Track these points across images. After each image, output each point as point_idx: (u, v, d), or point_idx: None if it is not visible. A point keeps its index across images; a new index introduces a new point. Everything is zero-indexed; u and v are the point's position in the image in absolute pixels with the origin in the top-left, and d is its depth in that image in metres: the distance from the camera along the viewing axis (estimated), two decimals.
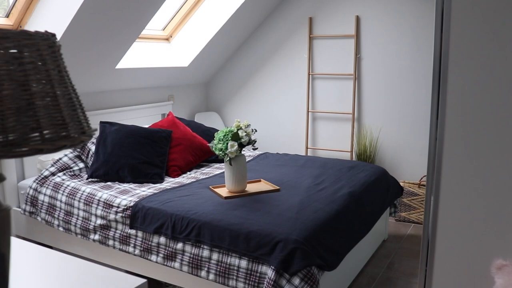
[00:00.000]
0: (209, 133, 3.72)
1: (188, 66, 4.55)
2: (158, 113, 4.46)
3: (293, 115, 4.70)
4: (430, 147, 1.86)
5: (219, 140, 2.65)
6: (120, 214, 2.63)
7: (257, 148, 2.83)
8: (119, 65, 3.71)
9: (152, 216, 2.50)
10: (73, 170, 3.14)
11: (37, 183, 3.05)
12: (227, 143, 2.61)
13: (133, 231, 2.57)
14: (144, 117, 4.24)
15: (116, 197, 2.71)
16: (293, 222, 2.28)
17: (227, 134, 2.64)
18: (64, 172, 3.11)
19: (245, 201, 2.57)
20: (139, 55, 4.03)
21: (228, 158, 2.64)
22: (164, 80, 4.49)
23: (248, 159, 3.70)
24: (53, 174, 3.08)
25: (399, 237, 3.67)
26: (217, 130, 3.76)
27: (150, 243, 2.50)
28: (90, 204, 2.77)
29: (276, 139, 4.86)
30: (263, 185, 2.88)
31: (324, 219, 2.38)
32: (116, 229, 2.65)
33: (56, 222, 2.93)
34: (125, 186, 2.93)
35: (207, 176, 3.15)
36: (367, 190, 2.95)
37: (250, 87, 4.93)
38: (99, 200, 2.74)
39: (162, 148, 3.19)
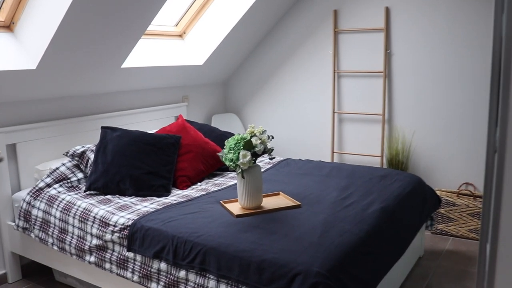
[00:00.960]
0: (224, 137, 3.37)
1: (203, 65, 4.21)
2: (171, 115, 4.14)
3: (317, 117, 4.30)
4: (488, 159, 1.46)
5: (230, 149, 2.29)
6: (117, 234, 2.30)
7: (273, 158, 2.46)
8: (125, 64, 3.39)
9: (152, 238, 2.16)
10: (71, 181, 2.83)
11: (31, 195, 2.75)
12: (238, 153, 2.25)
13: (131, 254, 2.24)
14: (156, 120, 3.92)
15: (113, 214, 2.39)
16: (315, 248, 1.90)
17: (239, 142, 2.28)
18: (61, 183, 2.80)
19: (259, 221, 2.20)
20: (150, 53, 3.71)
21: (240, 170, 2.28)
22: (178, 79, 4.16)
23: (266, 167, 3.33)
24: (48, 185, 2.78)
25: (437, 254, 3.24)
26: (232, 135, 3.41)
27: (149, 268, 2.17)
28: (85, 221, 2.45)
29: (299, 143, 4.47)
30: (281, 200, 2.51)
31: (352, 244, 1.99)
32: (113, 250, 2.33)
33: (50, 240, 2.63)
34: (126, 200, 2.60)
35: (219, 188, 2.80)
36: (401, 204, 2.55)
37: (271, 86, 4.57)
38: (94, 217, 2.42)
39: (169, 156, 2.86)
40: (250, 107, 4.75)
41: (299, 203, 2.40)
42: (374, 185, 2.75)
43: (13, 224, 2.85)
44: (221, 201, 2.47)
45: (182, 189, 2.81)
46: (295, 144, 4.48)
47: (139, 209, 2.43)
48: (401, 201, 2.57)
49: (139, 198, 2.64)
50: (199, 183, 2.94)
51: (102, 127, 2.92)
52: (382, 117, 3.87)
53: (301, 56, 4.29)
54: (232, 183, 2.93)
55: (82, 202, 2.56)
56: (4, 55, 2.68)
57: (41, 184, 2.78)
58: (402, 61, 3.78)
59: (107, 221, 2.36)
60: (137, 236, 2.22)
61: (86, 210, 2.49)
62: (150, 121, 3.88)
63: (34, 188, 2.77)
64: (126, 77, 3.53)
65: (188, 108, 4.42)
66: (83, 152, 2.89)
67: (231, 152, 2.27)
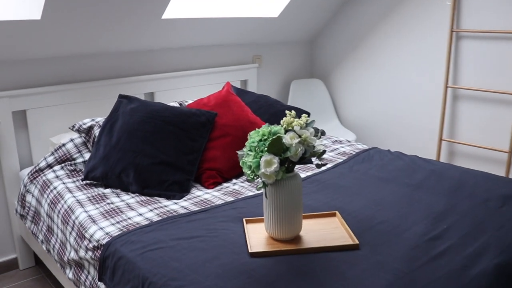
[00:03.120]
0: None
1: (279, 17, 3.34)
2: (236, 78, 3.38)
3: (423, 91, 3.24)
4: None
5: (251, 149, 1.47)
6: (90, 253, 1.64)
7: (324, 164, 1.58)
8: (167, 15, 2.66)
9: (123, 272, 1.46)
10: (75, 164, 2.24)
11: (29, 177, 2.21)
12: (260, 157, 1.42)
13: (103, 286, 1.58)
14: (212, 85, 3.19)
15: (94, 222, 1.73)
16: None
17: (265, 139, 1.45)
18: (64, 164, 2.22)
19: (285, 269, 1.38)
20: (207, 1, 2.93)
21: (262, 185, 1.46)
22: (244, 35, 3.35)
23: (335, 160, 2.43)
24: (49, 166, 2.22)
25: None
26: (303, 112, 2.56)
27: None
28: (66, 225, 1.84)
29: (395, 123, 3.46)
30: (333, 229, 1.64)
31: None
32: (88, 273, 1.69)
33: (40, 236, 2.07)
34: (124, 199, 1.93)
35: (254, 194, 1.99)
36: None
37: (367, 48, 3.55)
38: (74, 223, 1.79)
39: (195, 140, 2.11)
40: (340, 73, 3.79)
41: (356, 241, 1.51)
42: (492, 214, 1.74)
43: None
44: (244, 219, 1.67)
45: (208, 187, 2.06)
46: (390, 124, 3.47)
47: (129, 218, 1.74)
48: None
49: (144, 198, 1.94)
50: (234, 180, 2.16)
51: (120, 96, 2.25)
52: None
53: (408, 9, 3.20)
54: None
55: (70, 196, 1.94)
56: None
57: (42, 164, 2.23)
58: None
59: (83, 232, 1.71)
60: (108, 264, 1.53)
61: (69, 209, 1.86)
62: (206, 87, 3.15)
63: (34, 168, 2.23)
64: (170, 31, 2.81)
65: (260, 71, 3.61)
66: (91, 128, 2.27)
67: (251, 155, 1.44)
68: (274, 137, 1.43)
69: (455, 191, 1.94)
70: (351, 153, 2.52)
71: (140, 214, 1.77)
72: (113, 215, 1.76)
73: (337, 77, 3.83)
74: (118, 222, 1.71)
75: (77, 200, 1.90)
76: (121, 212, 1.79)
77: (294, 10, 3.34)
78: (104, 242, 1.59)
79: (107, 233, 1.63)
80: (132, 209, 1.82)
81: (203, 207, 1.82)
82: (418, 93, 3.27)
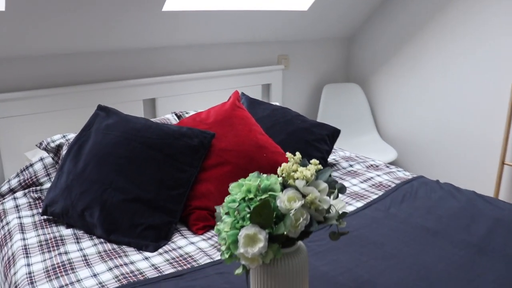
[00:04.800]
0: (311, 137, 2.04)
1: (309, 10, 2.83)
2: (257, 82, 2.90)
3: (483, 102, 2.65)
4: None
5: (229, 211, 0.98)
6: None
7: (344, 234, 1.07)
8: (167, 6, 2.21)
9: None
10: (41, 190, 1.82)
11: None
12: (239, 229, 0.93)
13: None
14: (229, 90, 2.72)
15: (32, 283, 1.29)
16: None
17: (252, 199, 0.96)
18: (28, 190, 1.81)
19: None
20: None
21: (242, 269, 0.97)
22: (269, 32, 2.85)
23: (371, 194, 1.90)
24: (12, 191, 1.81)
25: None
26: (333, 131, 2.08)
27: None
28: (6, 275, 1.42)
29: (446, 141, 2.88)
30: None
31: None
32: None
33: None
34: (86, 246, 1.48)
35: None
36: None
37: (416, 47, 2.98)
38: (11, 279, 1.36)
39: (183, 171, 1.64)
40: (381, 77, 3.24)
41: None
42: None
43: None
44: None
45: (196, 232, 1.59)
46: (439, 141, 2.90)
47: (77, 282, 1.29)
48: None
49: (110, 246, 1.49)
50: None
51: (98, 107, 1.81)
52: None
53: (468, 3, 2.61)
54: None
55: (19, 239, 1.52)
56: None
57: (4, 188, 1.83)
58: None
59: None
60: None
61: (12, 258, 1.44)
62: (219, 93, 2.69)
63: None
64: (173, 26, 2.35)
65: (286, 74, 3.11)
66: (60, 146, 1.84)
67: (227, 222, 0.96)
68: (264, 196, 0.94)
69: None
70: (388, 186, 1.99)
71: (95, 275, 1.32)
72: (59, 274, 1.32)
73: (378, 82, 3.27)
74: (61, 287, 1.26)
75: (25, 246, 1.47)
76: (72, 269, 1.35)
77: (327, 1, 2.81)
78: None
79: None
80: (88, 265, 1.37)
81: (179, 269, 1.35)
82: (477, 105, 2.68)
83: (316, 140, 2.05)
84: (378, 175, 2.12)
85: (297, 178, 0.96)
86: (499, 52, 2.53)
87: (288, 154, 1.01)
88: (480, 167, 2.72)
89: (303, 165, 1.03)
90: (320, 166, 0.99)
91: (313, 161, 1.00)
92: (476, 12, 2.59)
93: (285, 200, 0.92)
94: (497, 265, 1.36)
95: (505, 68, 2.50)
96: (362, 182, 2.03)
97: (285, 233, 0.91)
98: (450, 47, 2.77)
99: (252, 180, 0.97)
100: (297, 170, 0.98)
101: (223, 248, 0.96)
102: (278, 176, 1.02)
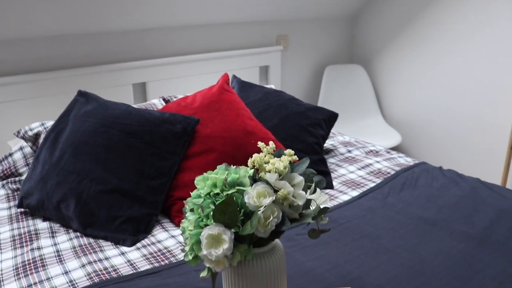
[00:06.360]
0: (307, 121, 1.94)
1: None
2: (254, 64, 2.78)
3: (492, 84, 2.51)
4: None
5: (193, 208, 0.89)
6: None
7: (325, 232, 0.96)
8: None
9: None
10: (20, 181, 1.74)
11: None
12: (202, 227, 0.84)
13: None
14: (223, 72, 2.61)
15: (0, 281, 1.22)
16: None
17: (217, 194, 0.86)
18: (6, 181, 1.73)
19: None
20: None
21: (207, 272, 0.88)
22: (267, 10, 2.72)
23: (369, 182, 1.80)
24: None
25: None
26: (331, 115, 1.98)
27: None
28: None
29: (452, 124, 2.75)
30: None
31: None
32: None
33: None
34: (61, 241, 1.40)
35: None
36: None
37: (422, 27, 2.84)
38: None
39: (164, 159, 1.55)
40: (385, 58, 3.10)
41: None
42: None
43: None
44: None
45: (179, 224, 1.50)
46: (445, 124, 2.77)
47: (47, 280, 1.21)
48: None
49: (86, 240, 1.41)
50: None
51: (78, 93, 1.71)
52: None
53: None
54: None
55: None
56: None
57: None
58: None
59: None
60: None
61: None
62: (214, 76, 2.58)
63: None
64: (165, 5, 2.24)
65: (286, 55, 2.98)
66: (37, 135, 1.76)
67: (190, 219, 0.86)
68: (231, 191, 0.84)
69: None
70: (388, 173, 1.87)
71: (66, 273, 1.24)
72: (28, 272, 1.24)
73: (382, 63, 3.13)
74: (28, 286, 1.18)
75: None
76: (43, 266, 1.27)
77: None
78: None
79: None
80: (60, 262, 1.29)
81: (155, 266, 1.27)
82: (485, 87, 2.54)
83: (311, 125, 1.93)
84: (378, 162, 2.00)
85: (269, 171, 0.86)
86: (510, 31, 2.38)
87: (260, 144, 0.91)
88: (488, 153, 2.59)
89: (278, 155, 0.93)
90: (295, 157, 0.89)
91: (288, 151, 0.90)
92: None
93: (253, 196, 0.82)
94: (499, 260, 1.25)
95: None
96: (359, 169, 1.92)
97: (249, 230, 0.81)
98: (457, 26, 2.62)
99: (219, 173, 0.87)
100: (269, 162, 0.88)
101: (187, 248, 0.86)
102: (250, 168, 0.92)
